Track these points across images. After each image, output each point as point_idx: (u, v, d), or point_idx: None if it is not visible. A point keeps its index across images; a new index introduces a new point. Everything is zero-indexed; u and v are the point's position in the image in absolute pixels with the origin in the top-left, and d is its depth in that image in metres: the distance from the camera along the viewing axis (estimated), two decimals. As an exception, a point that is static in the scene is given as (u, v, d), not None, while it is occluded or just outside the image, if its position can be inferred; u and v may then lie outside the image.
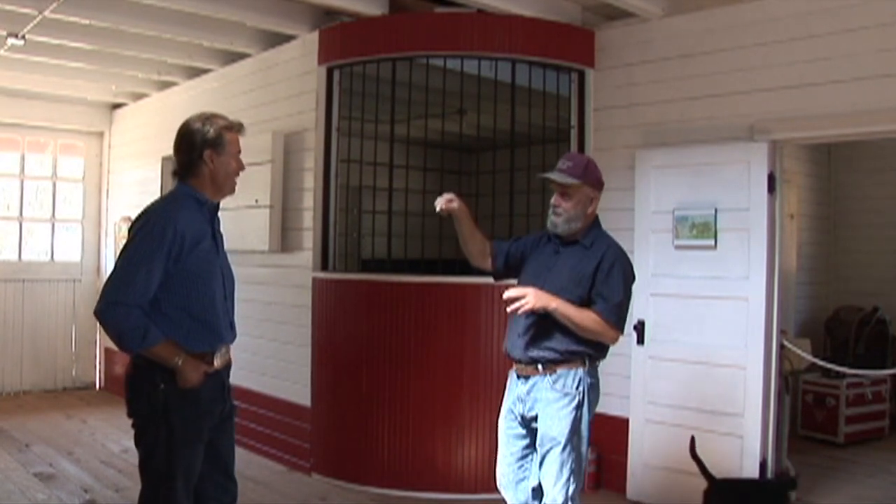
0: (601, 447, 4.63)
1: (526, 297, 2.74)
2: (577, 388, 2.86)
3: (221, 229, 2.76)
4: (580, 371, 2.87)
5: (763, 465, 4.02)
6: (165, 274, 2.49)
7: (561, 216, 2.93)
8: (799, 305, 6.41)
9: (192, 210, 2.60)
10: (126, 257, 2.50)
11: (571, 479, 2.86)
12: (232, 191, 2.74)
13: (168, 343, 2.49)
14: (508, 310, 2.78)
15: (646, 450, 4.44)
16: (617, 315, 2.84)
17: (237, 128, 2.70)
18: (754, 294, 4.05)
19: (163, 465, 2.53)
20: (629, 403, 4.52)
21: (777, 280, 4.10)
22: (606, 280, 2.84)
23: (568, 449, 2.84)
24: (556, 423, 2.85)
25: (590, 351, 2.88)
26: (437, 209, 3.00)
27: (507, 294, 2.76)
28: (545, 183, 3.04)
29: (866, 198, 6.67)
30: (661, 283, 4.38)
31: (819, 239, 6.81)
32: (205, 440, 2.62)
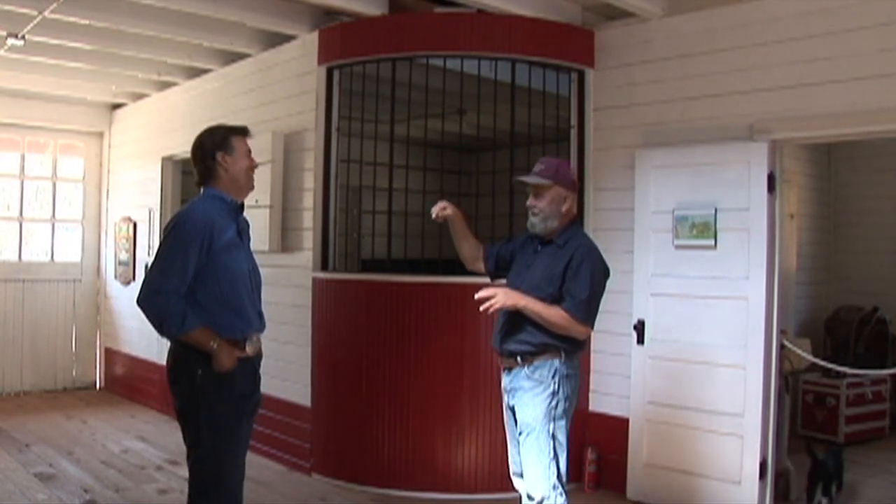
0: (601, 447, 4.63)
1: (495, 297, 2.87)
2: (553, 377, 2.97)
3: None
4: (556, 362, 2.98)
5: (763, 465, 4.02)
6: (198, 265, 2.69)
7: (538, 216, 3.07)
8: (799, 305, 6.41)
9: (219, 208, 2.82)
10: (163, 252, 2.73)
11: (551, 467, 2.94)
12: (251, 188, 2.98)
13: (204, 329, 2.69)
14: (480, 309, 2.90)
15: (645, 450, 4.44)
16: (584, 311, 2.95)
17: (241, 131, 2.93)
18: (754, 294, 4.05)
19: (209, 452, 2.71)
20: (629, 403, 4.52)
21: (777, 280, 4.10)
22: (574, 277, 2.96)
23: (544, 435, 2.94)
24: (530, 409, 2.97)
25: (563, 344, 2.98)
26: (433, 216, 3.20)
27: (478, 295, 2.90)
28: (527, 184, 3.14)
29: (866, 198, 6.67)
30: (661, 283, 4.38)
31: (819, 239, 6.81)
32: (243, 425, 2.80)
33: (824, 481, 4.25)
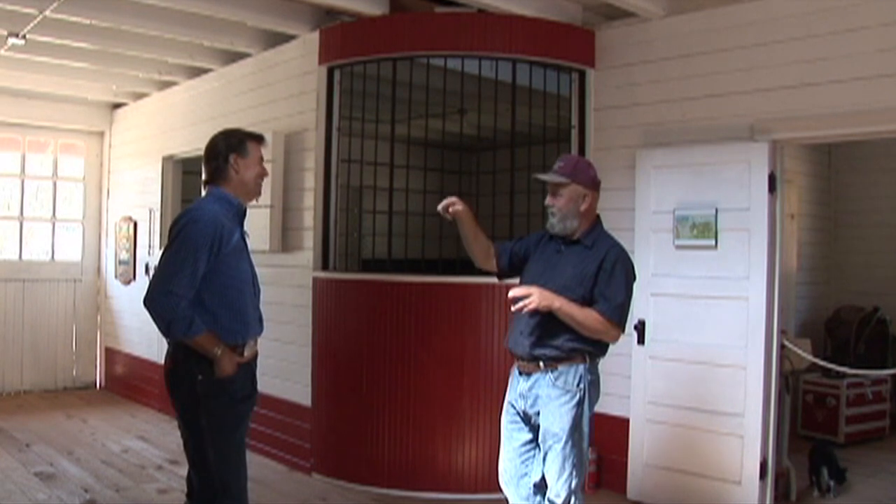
0: (601, 447, 4.63)
1: (531, 297, 2.78)
2: (578, 385, 2.92)
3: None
4: (581, 368, 2.93)
5: (763, 465, 4.02)
6: (206, 269, 2.67)
7: (555, 215, 3.00)
8: (799, 305, 6.41)
9: (225, 210, 2.81)
10: (173, 252, 2.69)
11: (574, 474, 2.91)
12: (258, 194, 2.99)
13: (209, 334, 2.68)
14: (513, 308, 2.82)
15: (646, 450, 4.45)
16: (619, 315, 2.90)
17: (257, 138, 2.93)
18: (755, 294, 4.05)
19: (213, 457, 2.72)
20: (629, 403, 4.52)
21: (777, 280, 4.10)
22: (609, 280, 2.89)
23: (570, 444, 2.89)
24: (557, 419, 2.90)
25: (590, 348, 2.94)
26: (440, 211, 3.05)
27: (513, 293, 2.81)
28: (545, 183, 3.08)
29: (866, 198, 6.67)
30: (662, 283, 4.38)
31: (819, 239, 6.81)
32: (243, 428, 2.82)
33: (831, 465, 4.49)
